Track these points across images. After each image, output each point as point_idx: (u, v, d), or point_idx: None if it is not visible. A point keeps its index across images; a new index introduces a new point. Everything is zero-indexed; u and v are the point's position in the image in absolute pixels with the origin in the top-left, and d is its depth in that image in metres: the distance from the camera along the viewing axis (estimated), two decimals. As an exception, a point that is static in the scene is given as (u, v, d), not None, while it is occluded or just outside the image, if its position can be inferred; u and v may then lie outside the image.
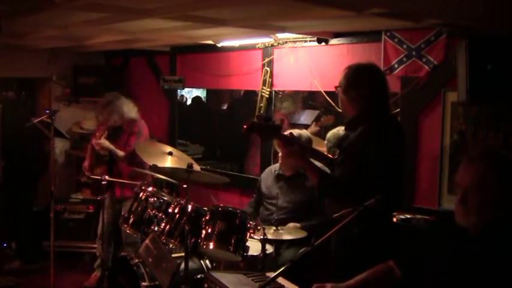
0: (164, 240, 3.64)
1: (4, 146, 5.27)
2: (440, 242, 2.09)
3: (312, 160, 3.48)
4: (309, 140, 3.98)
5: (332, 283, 2.14)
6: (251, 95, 6.60)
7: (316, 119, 5.28)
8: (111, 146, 4.64)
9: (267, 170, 4.29)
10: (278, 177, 4.09)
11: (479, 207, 1.88)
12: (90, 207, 5.59)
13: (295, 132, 3.96)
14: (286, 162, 3.96)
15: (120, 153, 4.67)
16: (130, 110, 4.82)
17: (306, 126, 5.24)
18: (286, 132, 3.92)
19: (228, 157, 6.52)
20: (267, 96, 4.85)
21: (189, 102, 9.21)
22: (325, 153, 3.35)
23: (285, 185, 4.01)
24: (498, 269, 1.83)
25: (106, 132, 4.69)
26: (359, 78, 2.81)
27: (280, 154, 3.98)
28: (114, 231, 4.84)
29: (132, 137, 4.77)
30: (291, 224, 3.81)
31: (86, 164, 4.90)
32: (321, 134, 5.04)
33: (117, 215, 4.62)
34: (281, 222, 3.70)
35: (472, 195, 1.89)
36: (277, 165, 4.16)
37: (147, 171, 4.49)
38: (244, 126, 2.78)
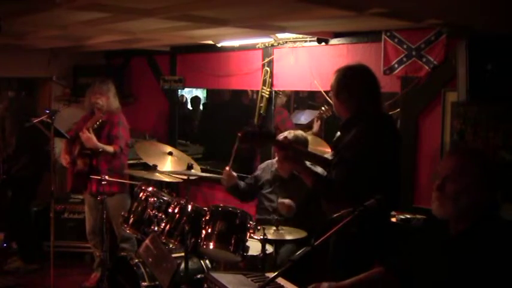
0: (164, 240, 3.64)
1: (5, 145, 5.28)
2: (426, 245, 2.14)
3: (309, 163, 3.47)
4: (306, 141, 3.95)
5: (327, 282, 2.16)
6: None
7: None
8: (99, 144, 4.54)
9: (267, 163, 4.22)
10: (275, 177, 4.06)
11: (455, 195, 1.95)
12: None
13: (292, 133, 3.95)
14: (283, 165, 3.95)
15: (110, 148, 4.59)
16: (116, 100, 4.81)
17: (308, 126, 5.23)
18: (281, 136, 3.94)
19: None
20: (267, 96, 4.85)
21: (188, 102, 9.23)
22: (321, 155, 3.36)
23: (281, 187, 3.99)
24: (476, 268, 1.86)
25: (98, 123, 4.55)
26: (349, 79, 2.83)
27: (277, 156, 3.98)
28: (106, 230, 4.80)
29: (114, 128, 4.69)
30: (286, 200, 3.79)
31: (66, 160, 4.77)
32: (322, 134, 5.03)
33: (103, 212, 4.51)
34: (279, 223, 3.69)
35: (450, 184, 1.96)
36: (275, 161, 4.13)
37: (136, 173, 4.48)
38: (239, 135, 2.80)
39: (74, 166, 4.71)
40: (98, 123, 4.55)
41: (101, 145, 4.55)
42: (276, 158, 4.08)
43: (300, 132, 4.02)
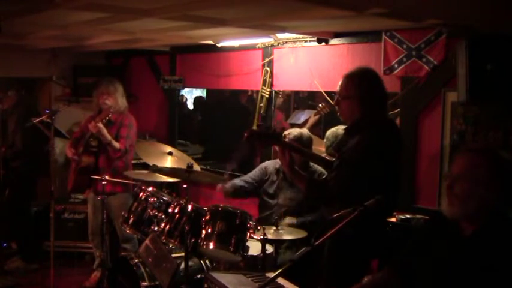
0: (164, 240, 3.65)
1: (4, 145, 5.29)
2: (431, 242, 2.11)
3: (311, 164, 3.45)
4: (310, 139, 3.98)
5: None
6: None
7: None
8: (109, 136, 4.51)
9: (270, 163, 4.23)
10: (278, 173, 4.08)
11: (464, 196, 1.92)
12: (90, 208, 5.59)
13: (297, 131, 3.96)
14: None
15: (117, 144, 4.57)
16: (123, 99, 4.81)
17: (303, 124, 5.23)
18: (287, 133, 3.96)
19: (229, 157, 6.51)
20: (267, 96, 4.85)
21: (189, 102, 9.22)
22: (323, 156, 3.37)
23: (285, 182, 4.01)
24: (488, 269, 1.84)
25: (107, 118, 4.51)
26: (357, 84, 2.82)
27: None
28: (107, 229, 4.79)
29: (123, 128, 4.68)
30: (287, 219, 3.82)
31: (72, 151, 4.70)
32: (320, 133, 5.04)
33: (103, 212, 4.44)
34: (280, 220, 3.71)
35: (460, 183, 1.93)
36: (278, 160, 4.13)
37: (136, 173, 4.47)
38: (245, 134, 2.83)
39: (78, 163, 4.69)
40: (107, 118, 4.53)
41: (109, 137, 4.52)
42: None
43: (305, 131, 4.03)
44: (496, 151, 2.05)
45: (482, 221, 1.93)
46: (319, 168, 3.91)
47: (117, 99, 4.71)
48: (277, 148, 3.04)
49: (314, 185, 2.91)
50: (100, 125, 4.46)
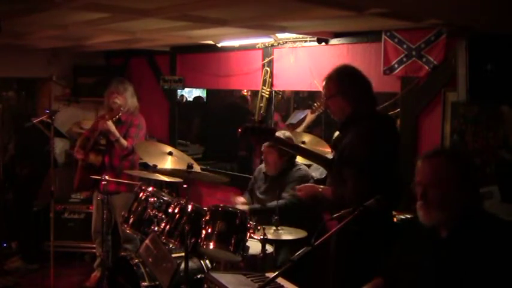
0: (164, 240, 3.65)
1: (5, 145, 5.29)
2: (411, 250, 2.13)
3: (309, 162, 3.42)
4: (289, 139, 4.02)
5: None
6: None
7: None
8: (117, 133, 4.55)
9: (258, 169, 4.35)
10: (265, 177, 4.19)
11: (440, 201, 1.93)
12: (90, 207, 5.58)
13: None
14: (269, 162, 4.04)
15: (125, 142, 4.59)
16: (134, 99, 4.84)
17: (298, 124, 5.23)
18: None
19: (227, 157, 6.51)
20: (267, 96, 4.85)
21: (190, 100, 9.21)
22: (316, 152, 3.38)
23: (269, 185, 4.11)
24: (470, 266, 1.86)
25: (117, 116, 4.56)
26: (337, 81, 2.87)
27: (263, 156, 4.05)
28: (110, 229, 4.79)
29: (133, 128, 4.72)
30: (239, 199, 4.00)
31: (80, 153, 4.73)
32: (321, 134, 5.04)
33: (109, 211, 4.46)
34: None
35: (432, 190, 1.94)
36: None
37: (137, 172, 4.47)
38: (239, 130, 2.82)
39: (86, 161, 4.70)
40: (117, 117, 4.57)
41: (118, 134, 4.56)
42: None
43: (281, 132, 4.04)
44: (458, 152, 2.09)
45: (458, 220, 1.94)
46: (304, 169, 4.03)
47: (127, 99, 4.75)
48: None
49: (337, 195, 2.89)
50: (109, 122, 4.50)
